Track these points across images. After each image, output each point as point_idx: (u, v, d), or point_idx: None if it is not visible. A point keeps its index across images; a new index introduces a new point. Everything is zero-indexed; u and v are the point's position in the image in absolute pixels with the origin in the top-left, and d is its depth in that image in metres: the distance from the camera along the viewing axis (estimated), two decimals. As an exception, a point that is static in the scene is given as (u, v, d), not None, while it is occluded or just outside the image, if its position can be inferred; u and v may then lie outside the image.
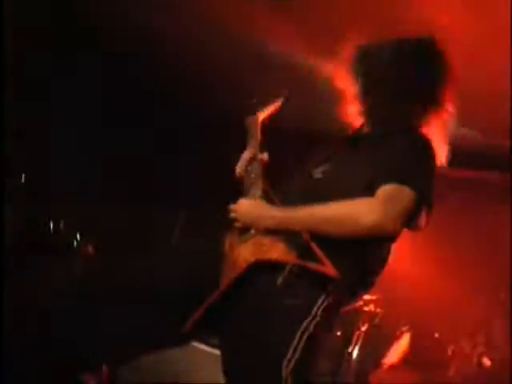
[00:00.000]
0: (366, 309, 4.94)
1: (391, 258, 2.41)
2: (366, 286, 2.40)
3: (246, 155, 2.62)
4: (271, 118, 2.77)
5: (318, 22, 4.44)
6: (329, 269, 2.11)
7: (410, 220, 2.28)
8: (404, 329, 5.14)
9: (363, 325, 4.95)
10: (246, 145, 2.67)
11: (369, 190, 2.24)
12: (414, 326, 5.09)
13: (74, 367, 2.28)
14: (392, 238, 2.33)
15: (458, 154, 2.58)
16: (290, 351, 2.08)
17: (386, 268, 2.40)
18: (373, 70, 2.52)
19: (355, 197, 2.24)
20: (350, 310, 4.80)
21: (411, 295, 5.20)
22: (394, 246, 2.41)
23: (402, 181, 2.22)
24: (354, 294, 2.40)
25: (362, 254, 2.29)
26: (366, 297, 4.87)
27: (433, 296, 5.12)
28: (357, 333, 4.92)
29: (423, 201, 2.27)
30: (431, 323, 5.02)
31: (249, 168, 2.55)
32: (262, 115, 2.74)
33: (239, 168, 2.61)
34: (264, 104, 2.79)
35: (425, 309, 5.10)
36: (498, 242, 5.23)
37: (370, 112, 2.55)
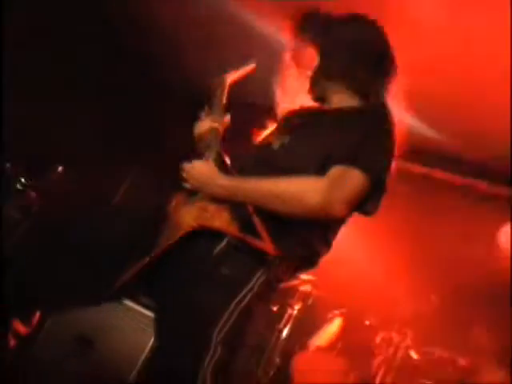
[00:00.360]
0: (301, 288, 4.96)
1: (336, 241, 2.41)
2: (308, 266, 2.39)
3: (207, 114, 2.57)
4: (238, 82, 2.72)
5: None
6: (268, 246, 2.11)
7: (359, 204, 2.27)
8: (336, 312, 5.18)
9: (296, 303, 4.97)
10: (210, 105, 2.61)
11: (322, 168, 2.22)
12: (347, 311, 5.14)
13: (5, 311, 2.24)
14: (337, 220, 2.32)
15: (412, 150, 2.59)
16: (223, 320, 2.08)
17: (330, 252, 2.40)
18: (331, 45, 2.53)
19: (308, 173, 2.23)
20: (285, 288, 4.83)
21: (349, 281, 5.23)
22: (342, 230, 2.41)
23: (353, 163, 2.20)
24: (295, 273, 2.39)
25: (307, 234, 2.28)
26: (304, 276, 4.91)
27: (370, 285, 5.17)
28: (289, 311, 4.95)
29: (376, 185, 2.26)
30: (364, 311, 5.06)
31: (207, 130, 2.50)
32: (231, 78, 2.69)
33: (198, 128, 2.55)
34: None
35: (360, 296, 5.15)
36: (444, 245, 5.32)
37: (331, 88, 2.53)
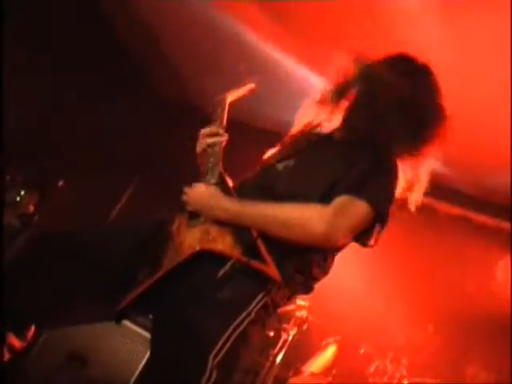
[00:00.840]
0: (297, 314, 4.94)
1: (334, 270, 2.40)
2: (306, 291, 2.38)
3: (207, 132, 2.54)
4: (239, 101, 2.72)
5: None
6: (272, 270, 2.10)
7: (360, 234, 2.27)
8: (331, 339, 5.15)
9: (292, 329, 4.95)
10: (210, 123, 2.59)
11: (327, 196, 2.22)
12: (343, 339, 5.12)
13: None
14: (336, 248, 2.33)
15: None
16: (220, 344, 2.05)
17: (327, 279, 2.39)
18: (375, 87, 2.46)
19: (311, 199, 2.23)
20: (281, 313, 4.81)
21: (345, 308, 5.22)
22: (338, 257, 2.41)
23: (359, 194, 2.20)
24: (292, 298, 2.36)
25: (306, 261, 2.27)
26: (300, 302, 4.89)
27: (366, 313, 5.16)
28: (284, 336, 4.92)
29: (378, 218, 2.26)
30: (360, 338, 5.05)
31: (209, 150, 2.48)
32: (232, 97, 2.68)
33: (199, 146, 2.54)
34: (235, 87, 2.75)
35: (356, 324, 5.13)
36: (441, 275, 5.32)
37: (349, 120, 2.51)
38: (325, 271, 2.37)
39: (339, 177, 2.27)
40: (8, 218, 4.33)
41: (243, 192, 2.37)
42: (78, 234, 2.39)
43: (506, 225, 5.47)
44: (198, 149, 2.53)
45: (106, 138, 5.94)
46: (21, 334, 2.26)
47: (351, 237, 2.25)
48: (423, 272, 5.41)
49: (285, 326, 4.96)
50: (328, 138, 2.58)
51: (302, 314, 4.95)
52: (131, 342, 3.92)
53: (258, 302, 2.13)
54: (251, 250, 2.13)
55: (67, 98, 5.52)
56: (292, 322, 4.95)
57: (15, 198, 4.57)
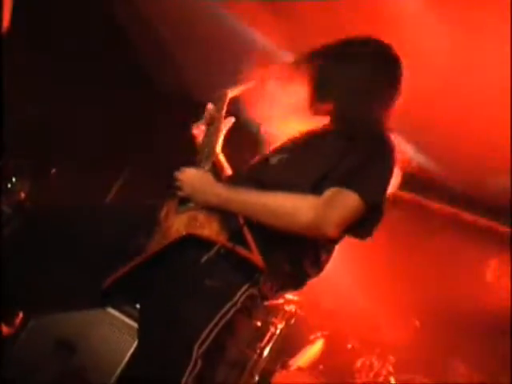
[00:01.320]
0: (286, 308, 4.95)
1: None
2: (295, 286, 2.38)
3: (203, 125, 2.57)
4: (240, 97, 2.73)
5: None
6: (256, 257, 2.10)
7: (353, 226, 2.26)
8: (318, 334, 5.17)
9: (280, 322, 4.96)
10: (209, 117, 2.61)
11: (318, 187, 2.22)
12: (330, 333, 5.14)
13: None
14: (328, 241, 2.31)
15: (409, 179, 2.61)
16: (205, 333, 2.05)
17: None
18: (331, 71, 2.54)
19: (302, 190, 2.22)
20: (269, 306, 4.83)
21: (333, 303, 5.23)
22: (336, 253, 2.40)
23: (350, 185, 2.19)
24: (281, 291, 2.36)
25: (296, 252, 2.27)
26: (289, 296, 4.90)
27: (354, 309, 5.17)
28: (272, 329, 4.93)
29: (371, 210, 2.25)
30: (347, 334, 5.06)
31: (206, 139, 2.50)
32: (233, 92, 2.69)
33: (196, 127, 2.58)
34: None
35: (343, 319, 5.15)
36: (430, 272, 5.34)
37: (335, 111, 2.53)
38: (318, 268, 2.36)
39: (331, 168, 2.26)
40: (-1, 204, 4.33)
41: (234, 181, 2.37)
42: (67, 216, 2.39)
43: (503, 227, 5.49)
44: (195, 131, 2.58)
45: (98, 127, 5.94)
46: (9, 320, 2.26)
47: (342, 228, 2.22)
48: (412, 269, 5.42)
49: (273, 319, 4.98)
50: (322, 131, 2.57)
51: (291, 308, 4.96)
52: (119, 331, 3.94)
53: (243, 292, 2.13)
54: (237, 237, 2.13)
55: (62, 86, 5.51)
56: (280, 315, 4.96)
57: (6, 185, 4.57)
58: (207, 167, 2.36)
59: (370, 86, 2.50)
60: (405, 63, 2.58)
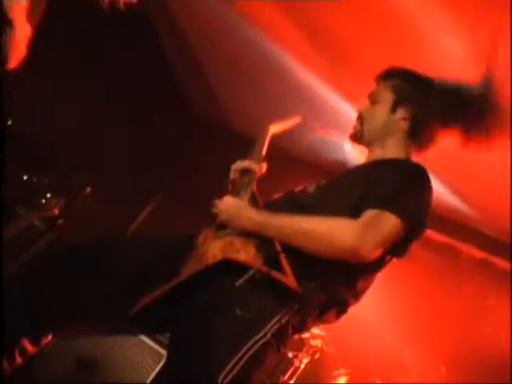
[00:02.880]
0: (312, 342, 4.90)
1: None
2: (335, 315, 2.33)
3: (245, 161, 2.57)
4: (281, 134, 2.74)
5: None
6: (291, 282, 2.07)
7: (394, 248, 2.24)
8: (342, 371, 5.09)
9: (304, 357, 4.90)
10: (250, 152, 2.63)
11: (356, 211, 2.20)
12: (354, 371, 5.06)
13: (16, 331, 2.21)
14: (366, 266, 2.24)
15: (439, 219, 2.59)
16: (231, 364, 2.01)
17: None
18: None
19: (341, 214, 2.20)
20: (296, 340, 4.77)
21: (359, 341, 5.17)
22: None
23: (389, 207, 2.18)
24: (314, 322, 2.32)
25: (329, 278, 2.22)
26: (315, 331, 4.85)
27: (380, 348, 5.11)
28: (296, 363, 4.88)
29: (410, 230, 2.23)
30: (371, 373, 4.98)
31: (244, 175, 2.52)
32: (274, 129, 2.72)
33: (233, 171, 2.57)
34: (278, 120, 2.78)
35: (369, 358, 5.07)
36: (459, 316, 5.26)
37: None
38: (353, 293, 2.31)
39: (368, 191, 2.25)
40: (32, 219, 4.36)
41: (272, 209, 2.35)
42: (101, 243, 2.40)
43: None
44: (234, 169, 2.57)
45: (135, 149, 5.99)
46: (36, 341, 2.25)
47: (382, 251, 2.20)
48: (440, 313, 5.35)
49: (298, 353, 4.92)
50: (358, 164, 2.60)
51: (317, 343, 4.91)
52: (141, 353, 3.91)
53: (275, 323, 2.09)
54: (273, 262, 2.11)
55: (100, 107, 5.57)
56: (305, 350, 4.91)
57: (41, 201, 4.60)
58: (246, 197, 2.38)
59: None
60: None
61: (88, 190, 4.94)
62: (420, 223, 2.30)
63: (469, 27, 3.80)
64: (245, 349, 2.03)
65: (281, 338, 2.14)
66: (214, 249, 2.20)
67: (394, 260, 2.36)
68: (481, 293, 5.40)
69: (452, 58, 3.99)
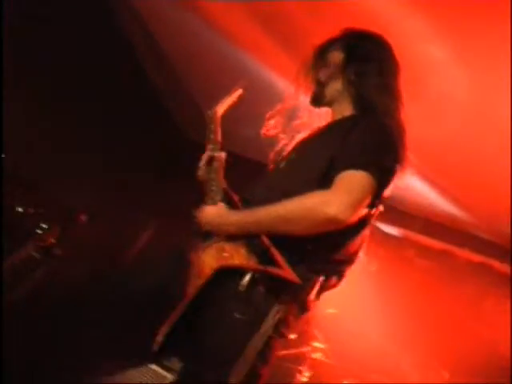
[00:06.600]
0: (313, 355, 4.91)
1: (351, 313, 2.38)
2: (325, 290, 2.35)
3: (205, 155, 2.59)
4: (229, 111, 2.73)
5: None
6: (288, 273, 2.12)
7: (372, 202, 2.27)
8: (345, 383, 5.10)
9: (306, 370, 4.91)
10: (206, 141, 2.63)
11: (326, 178, 2.22)
12: (357, 382, 5.07)
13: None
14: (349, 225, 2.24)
15: (432, 225, 2.60)
16: (239, 365, 2.08)
17: (344, 321, 2.37)
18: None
19: (312, 184, 2.23)
20: (296, 354, 4.80)
21: (360, 352, 5.17)
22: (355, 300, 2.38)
23: (353, 166, 2.20)
24: (311, 301, 2.33)
25: (320, 256, 2.26)
26: (316, 344, 4.87)
27: (382, 357, 5.11)
28: (298, 377, 4.89)
29: (383, 178, 2.26)
30: (374, 383, 4.99)
31: (208, 168, 2.54)
32: (221, 109, 2.71)
33: (200, 170, 2.59)
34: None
35: (371, 368, 5.08)
36: (460, 321, 5.28)
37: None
38: (348, 258, 2.35)
39: (333, 154, 2.27)
40: (29, 249, 4.37)
41: (252, 195, 2.41)
42: (100, 273, 2.43)
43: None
44: (200, 173, 2.59)
45: (129, 176, 6.00)
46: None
47: (361, 209, 2.22)
48: (441, 318, 5.37)
49: (299, 367, 4.93)
50: (326, 125, 2.62)
51: (318, 355, 4.92)
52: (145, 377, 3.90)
53: (274, 315, 2.14)
54: (266, 258, 2.15)
55: (92, 134, 5.58)
56: (307, 363, 4.92)
57: (36, 231, 4.62)
58: (218, 197, 2.42)
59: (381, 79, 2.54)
60: (430, 107, 2.59)
61: (84, 217, 4.96)
62: (388, 170, 2.31)
63: (447, 32, 3.87)
64: (250, 348, 2.09)
65: (284, 327, 2.19)
66: (208, 259, 2.25)
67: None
68: (479, 296, 5.42)
69: (430, 64, 4.06)
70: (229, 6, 4.54)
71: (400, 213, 5.41)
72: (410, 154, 2.47)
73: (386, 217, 2.56)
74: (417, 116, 2.65)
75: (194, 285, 2.22)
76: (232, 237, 2.27)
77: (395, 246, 5.61)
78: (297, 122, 2.75)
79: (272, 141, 2.75)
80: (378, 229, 5.54)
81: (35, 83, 4.86)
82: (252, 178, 2.60)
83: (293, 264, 2.15)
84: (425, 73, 4.09)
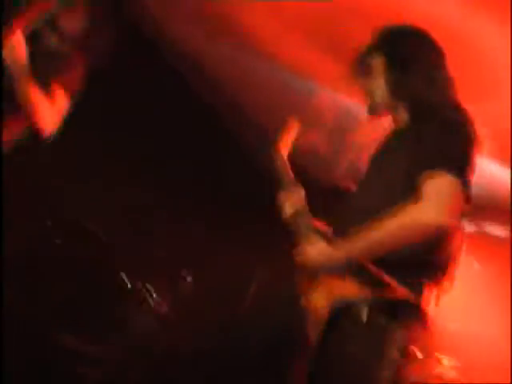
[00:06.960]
0: (448, 376, 4.76)
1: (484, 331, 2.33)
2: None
3: (283, 198, 2.60)
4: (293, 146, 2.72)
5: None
6: (404, 292, 2.12)
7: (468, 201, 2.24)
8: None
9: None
10: (280, 185, 2.64)
11: (409, 188, 2.21)
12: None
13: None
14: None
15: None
16: None
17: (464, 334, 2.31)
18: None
19: (400, 199, 2.20)
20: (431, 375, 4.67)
21: (497, 370, 4.98)
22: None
23: (442, 168, 2.17)
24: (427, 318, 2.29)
25: (422, 266, 2.23)
26: (446, 362, 4.72)
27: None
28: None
29: (466, 176, 2.23)
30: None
31: (296, 215, 2.53)
32: (283, 146, 2.72)
33: (285, 215, 2.59)
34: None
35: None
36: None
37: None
38: (449, 257, 2.31)
39: (412, 164, 2.26)
40: (146, 319, 4.44)
41: (341, 225, 2.39)
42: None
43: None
44: (285, 215, 2.60)
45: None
46: None
47: (457, 212, 2.20)
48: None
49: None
50: (386, 137, 2.60)
51: (451, 374, 4.77)
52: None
53: (400, 338, 2.16)
54: (378, 284, 2.13)
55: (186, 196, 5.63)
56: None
57: (150, 302, 4.69)
58: (313, 237, 2.39)
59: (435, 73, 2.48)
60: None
61: (189, 279, 5.02)
62: (468, 165, 2.27)
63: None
64: (383, 379, 2.11)
65: (410, 346, 2.18)
66: (319, 300, 2.24)
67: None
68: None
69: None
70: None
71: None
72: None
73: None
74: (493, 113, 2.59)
75: (315, 329, 2.22)
76: (336, 272, 2.24)
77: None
78: (361, 136, 2.75)
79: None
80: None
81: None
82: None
83: (400, 280, 2.13)
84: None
